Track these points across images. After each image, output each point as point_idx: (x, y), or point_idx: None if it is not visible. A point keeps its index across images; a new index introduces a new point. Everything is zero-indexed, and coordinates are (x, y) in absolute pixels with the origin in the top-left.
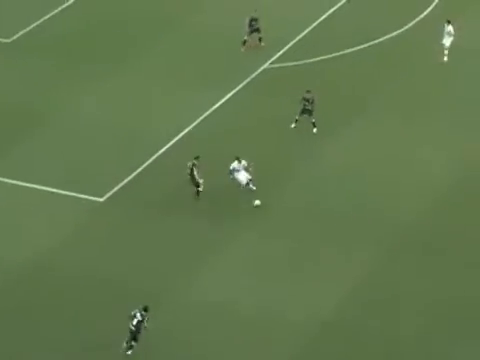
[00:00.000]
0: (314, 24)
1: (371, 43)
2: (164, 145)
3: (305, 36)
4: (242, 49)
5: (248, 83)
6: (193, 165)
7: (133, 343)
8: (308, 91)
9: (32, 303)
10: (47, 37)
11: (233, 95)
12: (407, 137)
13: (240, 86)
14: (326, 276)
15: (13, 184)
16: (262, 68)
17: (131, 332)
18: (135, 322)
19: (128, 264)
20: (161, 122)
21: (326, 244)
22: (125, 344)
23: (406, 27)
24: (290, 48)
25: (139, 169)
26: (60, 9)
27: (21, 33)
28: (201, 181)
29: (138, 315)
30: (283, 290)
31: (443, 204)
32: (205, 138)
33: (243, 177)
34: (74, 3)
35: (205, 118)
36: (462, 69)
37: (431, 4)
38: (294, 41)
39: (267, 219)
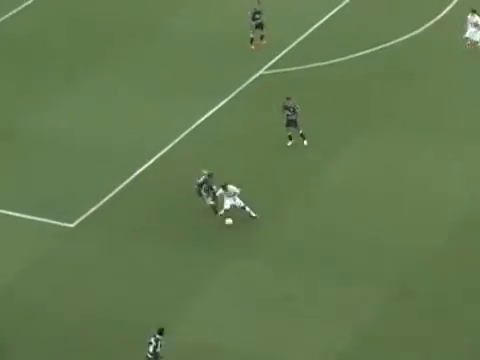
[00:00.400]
0: (316, 25)
1: (381, 47)
2: (144, 163)
3: (306, 38)
4: (252, 47)
5: (241, 91)
6: (205, 182)
7: None
8: (288, 98)
9: None
10: (6, 39)
11: (225, 104)
12: (416, 152)
13: (232, 94)
14: (326, 314)
15: None
16: (258, 74)
17: None
18: (151, 349)
19: (100, 294)
20: (142, 136)
21: (326, 276)
22: None
23: (421, 29)
24: (289, 52)
25: (114, 191)
26: (21, 8)
27: None
28: (212, 203)
29: (152, 340)
30: (282, 328)
31: (457, 231)
32: (190, 154)
33: (228, 205)
34: (35, 2)
35: (193, 130)
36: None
37: (448, 5)
38: (293, 44)
39: (261, 244)
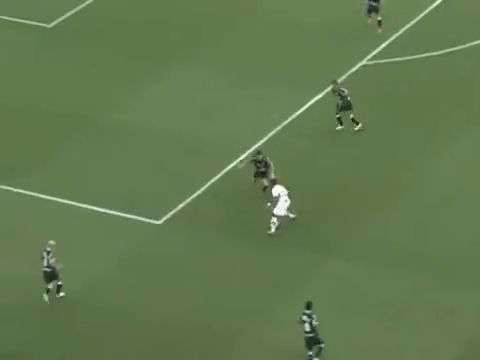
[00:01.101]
0: (422, 14)
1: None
2: (235, 157)
3: (412, 27)
4: (379, 31)
5: (342, 82)
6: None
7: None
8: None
9: (76, 333)
10: (96, 21)
11: (323, 96)
12: None
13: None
14: (428, 320)
15: (55, 201)
16: (360, 64)
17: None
18: (308, 327)
19: (187, 296)
20: (234, 129)
21: (427, 279)
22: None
23: None
24: (394, 40)
25: (203, 187)
26: None
27: (63, 18)
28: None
29: (305, 317)
30: (379, 335)
31: None
32: (285, 148)
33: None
34: None
35: (288, 123)
36: None
37: None
38: (400, 32)
39: (356, 246)
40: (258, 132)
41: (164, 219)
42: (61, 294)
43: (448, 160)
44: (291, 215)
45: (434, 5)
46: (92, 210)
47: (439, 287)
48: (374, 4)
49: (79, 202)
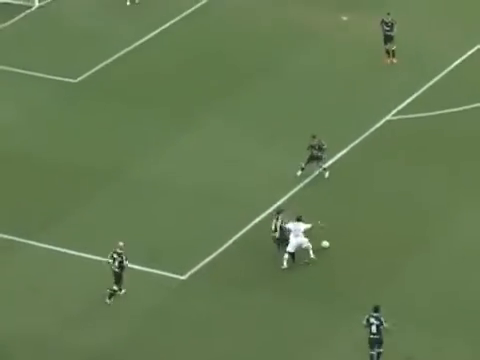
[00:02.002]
0: (448, 69)
1: None
2: (259, 212)
3: (437, 83)
4: (386, 61)
5: (365, 138)
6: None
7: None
8: (314, 136)
9: None
10: (118, 78)
11: (347, 153)
12: None
13: (356, 142)
14: None
15: (78, 256)
16: (384, 119)
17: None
18: (374, 329)
19: (213, 354)
20: (256, 183)
21: (452, 336)
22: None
23: None
24: (419, 96)
25: (228, 242)
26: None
27: (88, 73)
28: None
29: (373, 320)
30: None
31: None
32: (308, 204)
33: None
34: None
35: (311, 180)
36: None
37: None
38: (424, 88)
39: (380, 299)
40: (280, 188)
41: (189, 274)
42: (109, 301)
43: (473, 213)
44: (311, 257)
45: (460, 60)
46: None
47: (464, 343)
48: (388, 33)
49: (103, 256)
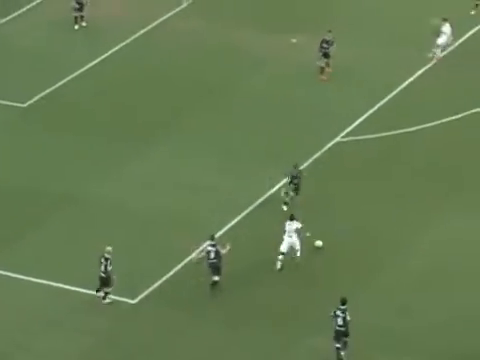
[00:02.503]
0: (395, 91)
1: (463, 114)
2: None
3: (385, 104)
4: (323, 77)
5: (316, 159)
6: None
7: None
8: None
9: None
10: (72, 99)
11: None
12: None
13: (307, 163)
14: None
15: (28, 281)
16: (333, 142)
17: None
18: (340, 321)
19: None
20: (208, 206)
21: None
22: None
23: None
24: (367, 118)
25: (179, 265)
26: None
27: (37, 98)
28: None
29: (339, 312)
30: None
31: None
32: (259, 229)
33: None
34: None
35: (262, 202)
36: None
37: None
38: (373, 110)
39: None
40: (234, 209)
41: (139, 298)
42: (107, 301)
43: (427, 235)
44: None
45: (406, 83)
46: (65, 289)
47: None
48: (327, 51)
49: (52, 281)
